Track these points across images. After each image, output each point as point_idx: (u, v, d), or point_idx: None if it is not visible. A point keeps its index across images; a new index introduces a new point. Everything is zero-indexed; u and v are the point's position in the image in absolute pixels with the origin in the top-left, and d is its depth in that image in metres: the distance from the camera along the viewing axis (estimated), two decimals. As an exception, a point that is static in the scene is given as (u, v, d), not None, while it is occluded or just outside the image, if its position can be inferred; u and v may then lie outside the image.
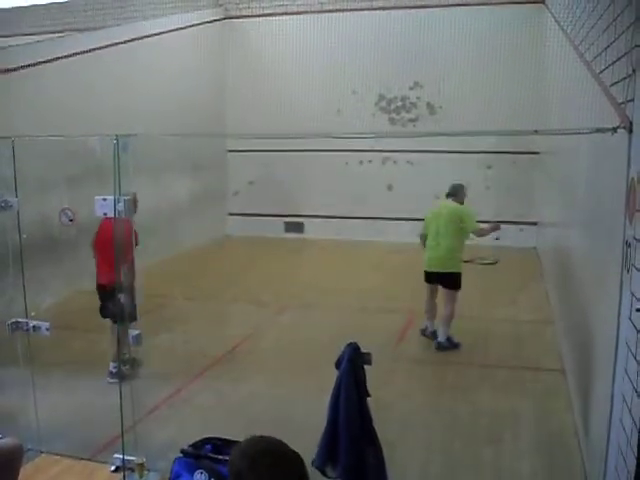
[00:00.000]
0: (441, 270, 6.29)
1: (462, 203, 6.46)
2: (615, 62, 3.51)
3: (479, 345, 6.43)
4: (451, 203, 6.43)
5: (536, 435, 4.50)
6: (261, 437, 1.92)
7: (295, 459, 1.88)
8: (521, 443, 4.43)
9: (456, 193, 6.50)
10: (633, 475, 2.54)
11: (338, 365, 3.40)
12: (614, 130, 3.07)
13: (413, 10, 11.40)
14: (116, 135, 3.38)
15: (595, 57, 4.41)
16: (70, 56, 8.50)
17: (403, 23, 11.36)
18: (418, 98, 11.91)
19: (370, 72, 11.71)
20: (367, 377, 3.42)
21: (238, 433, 2.62)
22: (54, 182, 7.62)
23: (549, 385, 5.39)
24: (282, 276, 8.45)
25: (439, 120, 11.57)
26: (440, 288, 6.42)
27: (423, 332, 6.66)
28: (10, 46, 8.51)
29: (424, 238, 6.51)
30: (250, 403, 5.04)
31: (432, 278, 6.40)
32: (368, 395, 3.42)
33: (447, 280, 6.30)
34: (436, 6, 11.29)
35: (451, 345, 6.27)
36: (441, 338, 6.28)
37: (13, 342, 3.90)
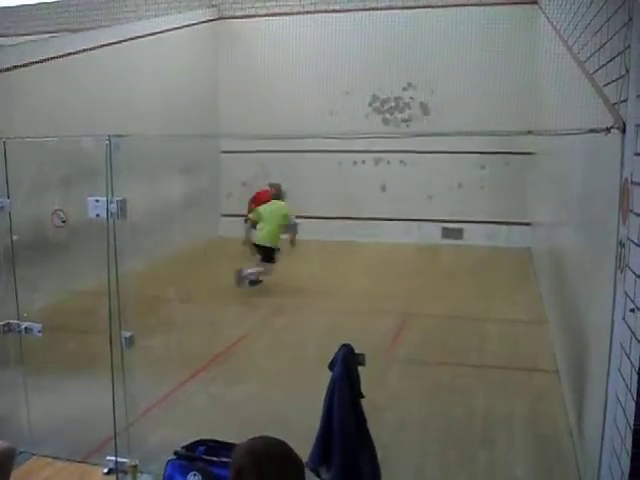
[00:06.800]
0: None
1: None
2: (608, 62, 3.51)
3: (473, 346, 6.43)
4: None
5: (530, 436, 4.50)
6: (267, 437, 1.90)
7: (299, 465, 1.86)
8: (515, 444, 4.43)
9: None
10: (627, 476, 2.54)
11: (332, 366, 3.38)
12: (607, 130, 3.07)
13: (406, 10, 11.41)
14: (108, 136, 3.36)
15: (589, 57, 4.41)
16: (63, 56, 8.47)
17: (396, 23, 11.38)
18: (411, 98, 11.90)
19: (363, 73, 11.69)
20: (361, 378, 3.41)
21: (232, 434, 2.62)
22: (46, 183, 7.58)
23: (543, 386, 5.39)
24: (276, 277, 8.43)
25: (432, 120, 11.54)
26: None
27: None
28: (4, 46, 8.49)
29: None
30: (244, 404, 5.03)
31: None
32: (362, 396, 3.41)
33: None
34: (429, 6, 11.30)
35: None
36: None
37: (5, 344, 3.88)
